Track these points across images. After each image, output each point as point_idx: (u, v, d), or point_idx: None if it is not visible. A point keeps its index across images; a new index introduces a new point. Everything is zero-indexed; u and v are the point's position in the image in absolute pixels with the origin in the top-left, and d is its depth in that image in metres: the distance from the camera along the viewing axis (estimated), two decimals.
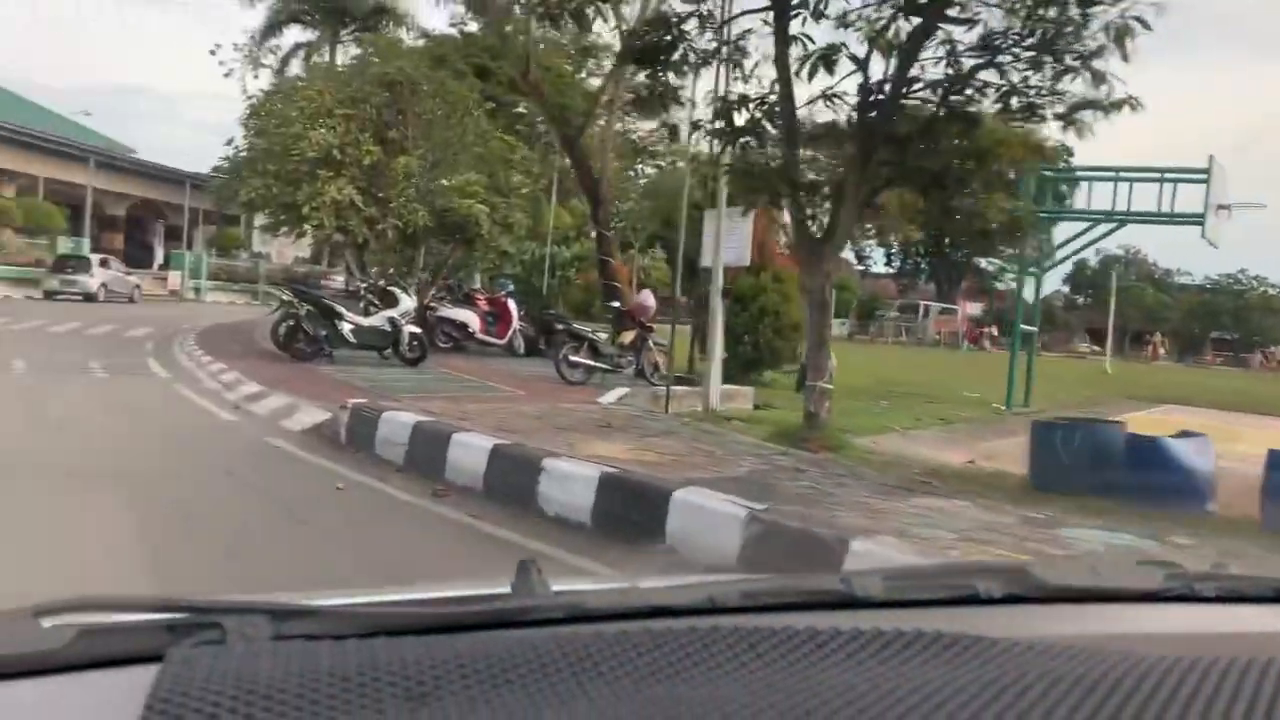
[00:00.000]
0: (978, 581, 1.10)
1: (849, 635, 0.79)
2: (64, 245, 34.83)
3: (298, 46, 52.29)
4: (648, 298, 14.72)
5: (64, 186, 38.60)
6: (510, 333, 18.44)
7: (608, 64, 24.66)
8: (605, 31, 18.85)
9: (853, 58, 8.29)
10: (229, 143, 17.67)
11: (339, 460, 7.70)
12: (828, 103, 8.44)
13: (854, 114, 8.43)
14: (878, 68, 8.54)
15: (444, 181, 16.86)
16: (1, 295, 31.16)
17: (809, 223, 8.68)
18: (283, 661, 0.69)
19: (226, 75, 49.31)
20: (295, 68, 52.38)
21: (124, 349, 16.34)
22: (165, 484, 6.62)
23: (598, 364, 14.01)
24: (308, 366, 13.98)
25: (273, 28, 50.86)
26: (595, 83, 23.01)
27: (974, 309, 69.76)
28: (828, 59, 8.30)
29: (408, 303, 15.12)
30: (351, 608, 0.92)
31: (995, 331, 63.29)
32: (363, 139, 16.28)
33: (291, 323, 14.56)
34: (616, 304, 15.92)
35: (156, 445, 8.20)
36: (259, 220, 43.27)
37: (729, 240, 12.25)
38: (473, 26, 25.07)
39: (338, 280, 46.27)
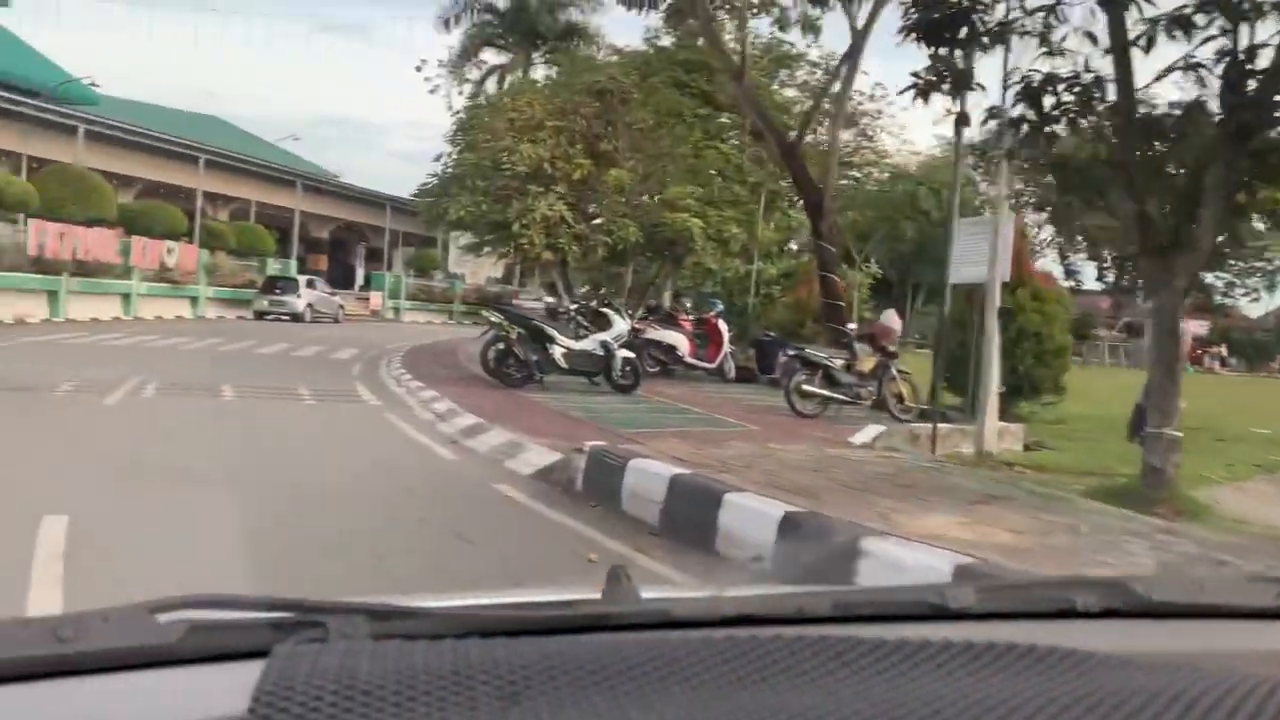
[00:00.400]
0: (1075, 594, 1.08)
1: (939, 646, 0.77)
2: (273, 267, 36.02)
3: (493, 69, 53.25)
4: (893, 319, 13.04)
5: (273, 210, 40.12)
6: (721, 356, 17.11)
7: (800, 74, 23.21)
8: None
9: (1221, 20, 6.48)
10: (438, 158, 17.19)
11: (580, 516, 6.46)
12: (1185, 75, 6.64)
13: (1221, 89, 6.60)
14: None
15: (653, 196, 15.71)
16: (215, 315, 32.37)
17: (1151, 229, 6.88)
18: (381, 660, 0.70)
19: (431, 92, 50.43)
20: (491, 91, 53.53)
21: (332, 372, 15.93)
22: (385, 543, 5.54)
23: (835, 394, 12.43)
24: (519, 393, 13.03)
25: (468, 52, 51.90)
26: (788, 93, 21.59)
27: (1198, 327, 63.99)
28: (1184, 21, 6.52)
29: (621, 325, 13.99)
30: (448, 610, 0.95)
31: (1224, 351, 57.61)
32: (572, 152, 15.32)
33: (501, 346, 13.67)
34: (852, 326, 14.28)
35: (371, 487, 7.21)
36: (462, 240, 43.70)
37: (978, 252, 10.56)
38: (665, 41, 24.09)
39: (528, 301, 46.50)
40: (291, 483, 7.19)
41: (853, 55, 15.24)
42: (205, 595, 0.86)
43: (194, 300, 31.75)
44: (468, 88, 52.73)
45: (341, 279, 49.57)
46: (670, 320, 17.77)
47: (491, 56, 53.44)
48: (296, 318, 32.91)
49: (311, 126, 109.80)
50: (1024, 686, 0.70)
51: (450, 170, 16.97)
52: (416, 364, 17.01)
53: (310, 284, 34.38)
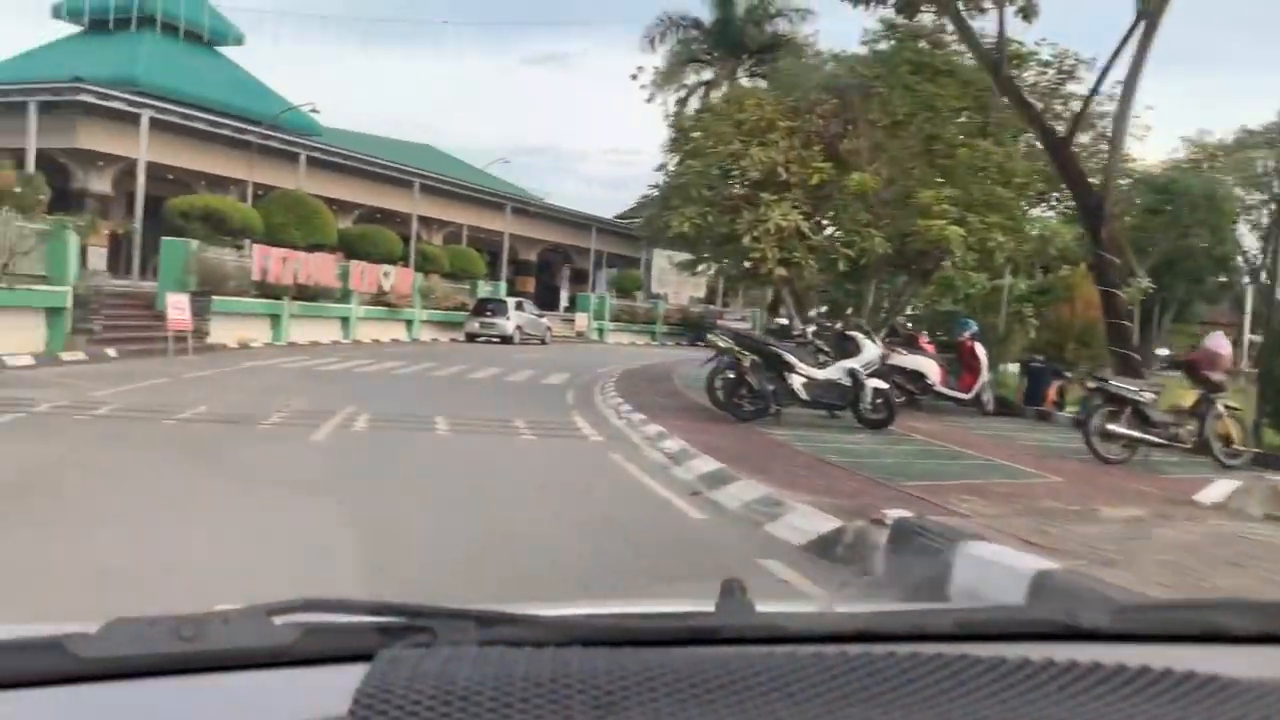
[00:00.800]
0: (1221, 616, 1.02)
1: (1063, 668, 0.73)
2: (483, 289, 36.03)
3: (697, 85, 52.42)
4: (1221, 343, 10.53)
5: (484, 233, 40.36)
6: (978, 385, 14.91)
7: (1029, 75, 20.51)
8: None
9: None
10: (660, 168, 15.81)
11: None
12: None
13: None
14: None
15: (902, 201, 13.77)
16: (429, 338, 32.49)
17: None
18: (482, 666, 0.71)
19: (649, 100, 49.80)
20: (692, 106, 52.63)
21: (546, 401, 14.83)
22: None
23: (1147, 436, 10.13)
24: (754, 429, 11.40)
25: (673, 70, 51.23)
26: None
27: None
28: None
29: (872, 350, 12.11)
30: (555, 618, 0.95)
31: None
32: (807, 155, 13.61)
33: (731, 375, 12.09)
34: (1164, 351, 11.85)
35: (611, 558, 5.74)
36: (677, 257, 42.73)
37: None
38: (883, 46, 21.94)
39: (732, 321, 44.94)
40: (515, 550, 5.81)
41: (1147, 35, 12.84)
42: (320, 598, 0.88)
43: (409, 323, 31.97)
44: (673, 103, 52.26)
45: (547, 300, 49.71)
46: (912, 344, 15.72)
47: (695, 73, 52.83)
48: (506, 340, 32.63)
49: (515, 155, 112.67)
50: (1159, 714, 0.67)
51: (669, 181, 15.59)
52: (632, 391, 15.71)
53: (519, 306, 34.09)
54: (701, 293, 51.49)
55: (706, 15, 50.33)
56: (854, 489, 7.86)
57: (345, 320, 28.39)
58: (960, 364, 15.28)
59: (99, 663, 0.80)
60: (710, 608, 0.99)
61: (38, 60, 33.70)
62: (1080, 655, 0.75)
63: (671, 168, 16.05)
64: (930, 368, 14.56)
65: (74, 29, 38.59)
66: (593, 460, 9.43)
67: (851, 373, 11.81)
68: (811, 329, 13.50)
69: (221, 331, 22.32)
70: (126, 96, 23.77)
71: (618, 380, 18.00)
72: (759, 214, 12.74)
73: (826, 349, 12.78)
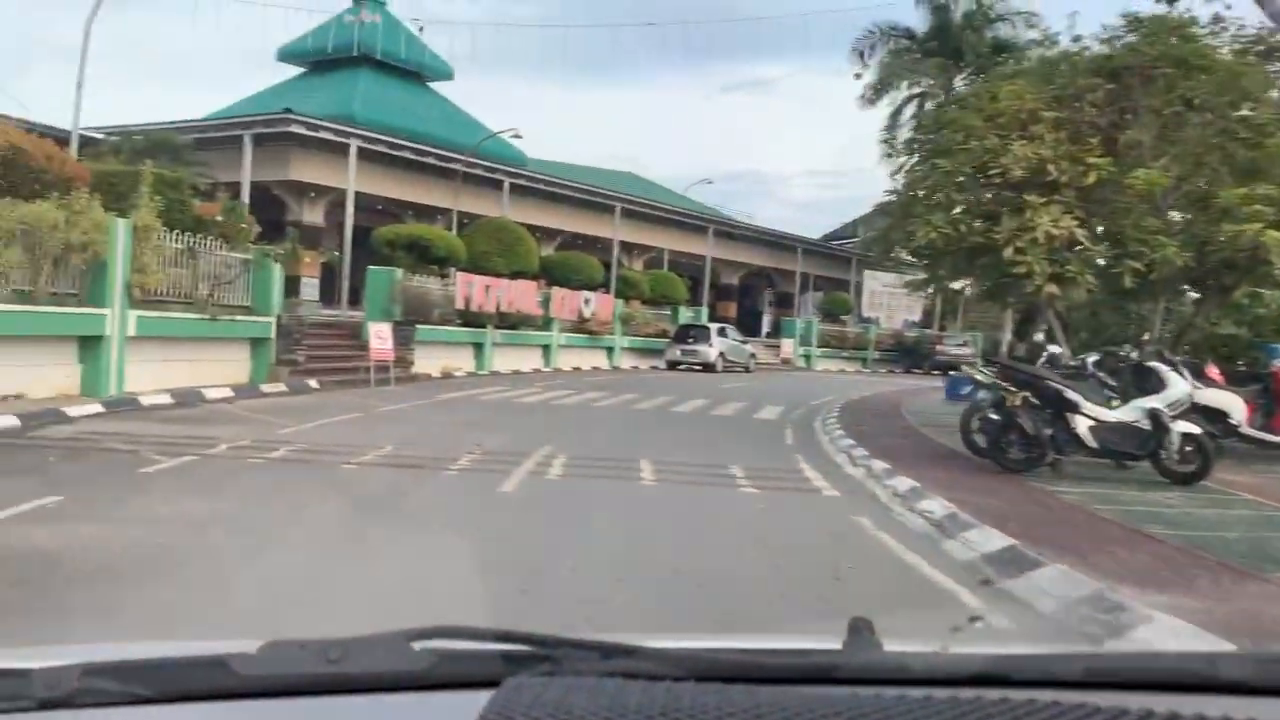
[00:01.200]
0: None
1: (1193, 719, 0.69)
2: (685, 315, 34.72)
3: (910, 98, 49.74)
4: None
5: (685, 257, 39.16)
6: None
7: None
8: None
9: None
10: (895, 172, 13.76)
11: None
12: None
13: None
14: None
15: (1200, 202, 11.25)
16: (629, 366, 31.43)
17: None
18: (598, 696, 0.73)
19: (872, 102, 47.53)
20: (906, 117, 49.94)
21: (761, 440, 13.09)
22: None
23: None
24: (1029, 484, 9.22)
25: (884, 84, 48.84)
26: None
27: None
28: None
29: (1179, 387, 9.67)
30: (675, 651, 0.97)
31: None
32: (1078, 150, 11.31)
33: (994, 415, 9.96)
34: None
35: None
36: (886, 279, 40.15)
37: None
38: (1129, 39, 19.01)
39: (954, 347, 41.73)
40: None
41: None
42: (455, 626, 0.94)
43: (609, 351, 31.01)
44: (887, 116, 49.74)
45: (749, 326, 48.05)
46: (1198, 375, 12.96)
47: (908, 88, 50.19)
48: (708, 368, 31.14)
49: (714, 181, 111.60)
50: None
51: (905, 189, 13.54)
52: (860, 429, 13.71)
53: (722, 332, 32.54)
54: (916, 315, 48.43)
55: (920, 24, 47.78)
56: (1212, 582, 5.70)
57: (546, 348, 27.67)
58: (1271, 400, 12.45)
59: (256, 680, 0.89)
60: (837, 645, 1.00)
61: (262, 101, 35.10)
62: (1211, 709, 0.71)
63: (902, 174, 14.01)
64: (1236, 405, 11.81)
65: (297, 70, 40.34)
66: (834, 525, 7.59)
67: (1152, 414, 9.43)
68: (1092, 358, 11.12)
69: (425, 361, 21.85)
70: (334, 127, 23.92)
71: (840, 415, 16.02)
72: (1024, 220, 10.56)
73: (1112, 383, 10.40)
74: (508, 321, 25.15)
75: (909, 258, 15.76)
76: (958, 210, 11.00)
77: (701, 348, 31.37)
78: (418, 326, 21.26)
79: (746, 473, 9.63)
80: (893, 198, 13.82)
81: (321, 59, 38.93)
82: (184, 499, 7.13)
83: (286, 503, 7.25)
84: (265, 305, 16.91)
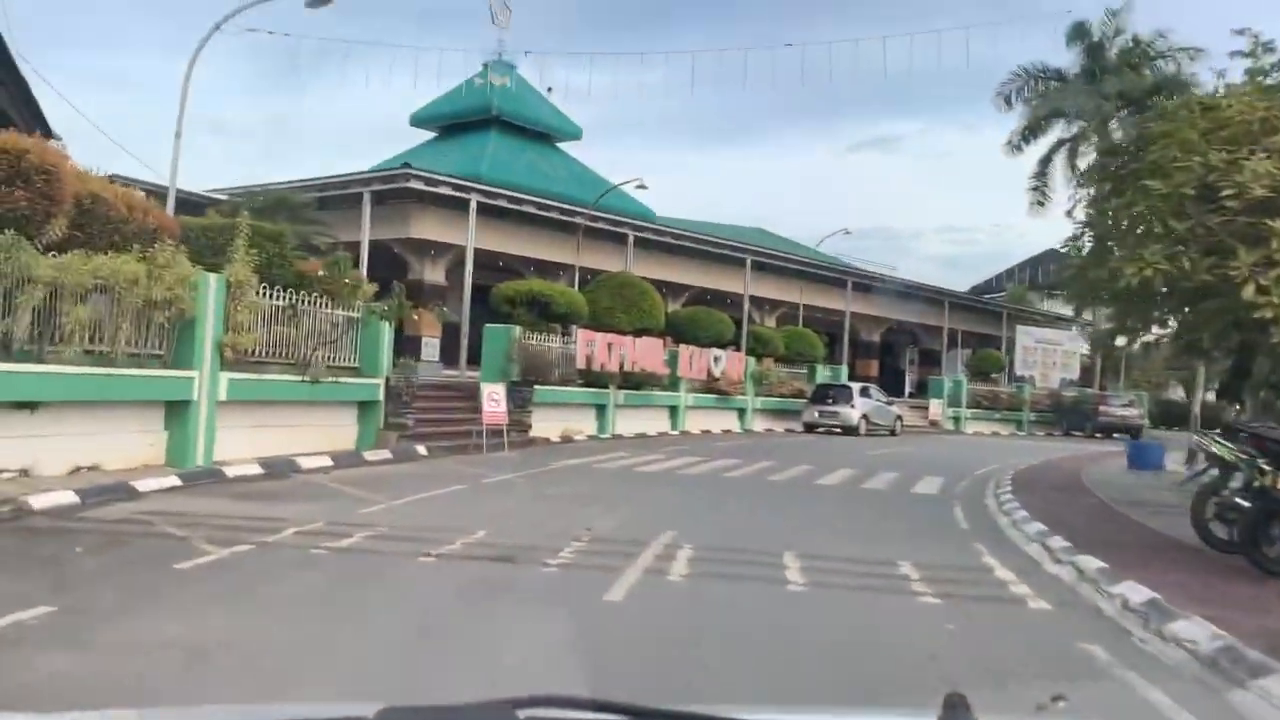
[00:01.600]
0: None
1: None
2: (822, 374, 32.54)
3: (1060, 143, 46.89)
4: None
5: (821, 313, 37.05)
6: None
7: None
8: None
9: None
10: (1073, 208, 11.46)
11: None
12: None
13: None
14: None
15: None
16: (763, 428, 29.41)
17: None
18: None
19: (1018, 149, 44.77)
20: (1059, 170, 47.08)
21: (927, 521, 10.97)
22: None
23: None
24: None
25: (1032, 129, 46.19)
26: None
27: None
28: None
29: None
30: None
31: None
32: None
33: (1245, 502, 7.69)
34: None
35: None
36: (1036, 333, 37.08)
37: None
38: None
39: (1119, 406, 38.15)
40: None
41: None
42: (557, 695, 1.01)
43: (740, 412, 29.10)
44: (1036, 163, 46.90)
45: (891, 385, 45.40)
46: None
47: (1060, 130, 47.38)
48: (849, 430, 28.86)
49: (845, 238, 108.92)
50: None
51: (1095, 221, 11.31)
52: (1044, 508, 11.43)
53: (864, 392, 30.21)
54: (1074, 374, 44.83)
55: (1070, 64, 44.95)
56: None
57: (673, 409, 25.98)
58: None
59: None
60: None
61: (391, 164, 35.08)
62: None
63: (1090, 208, 11.77)
64: None
65: (430, 135, 40.50)
66: (1056, 659, 5.52)
67: None
68: None
69: (544, 423, 20.46)
70: (454, 181, 23.06)
71: (1014, 489, 13.71)
72: (1269, 251, 8.32)
73: None
74: (632, 381, 23.60)
75: (1067, 312, 13.50)
76: (1176, 243, 8.79)
77: (842, 409, 29.13)
78: (536, 387, 19.89)
79: (920, 572, 7.60)
80: (1079, 241, 11.57)
81: (453, 123, 39.02)
82: (203, 612, 5.62)
83: (324, 619, 5.65)
84: (373, 366, 15.78)
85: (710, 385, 27.49)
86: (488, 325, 20.43)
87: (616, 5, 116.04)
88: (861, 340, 42.28)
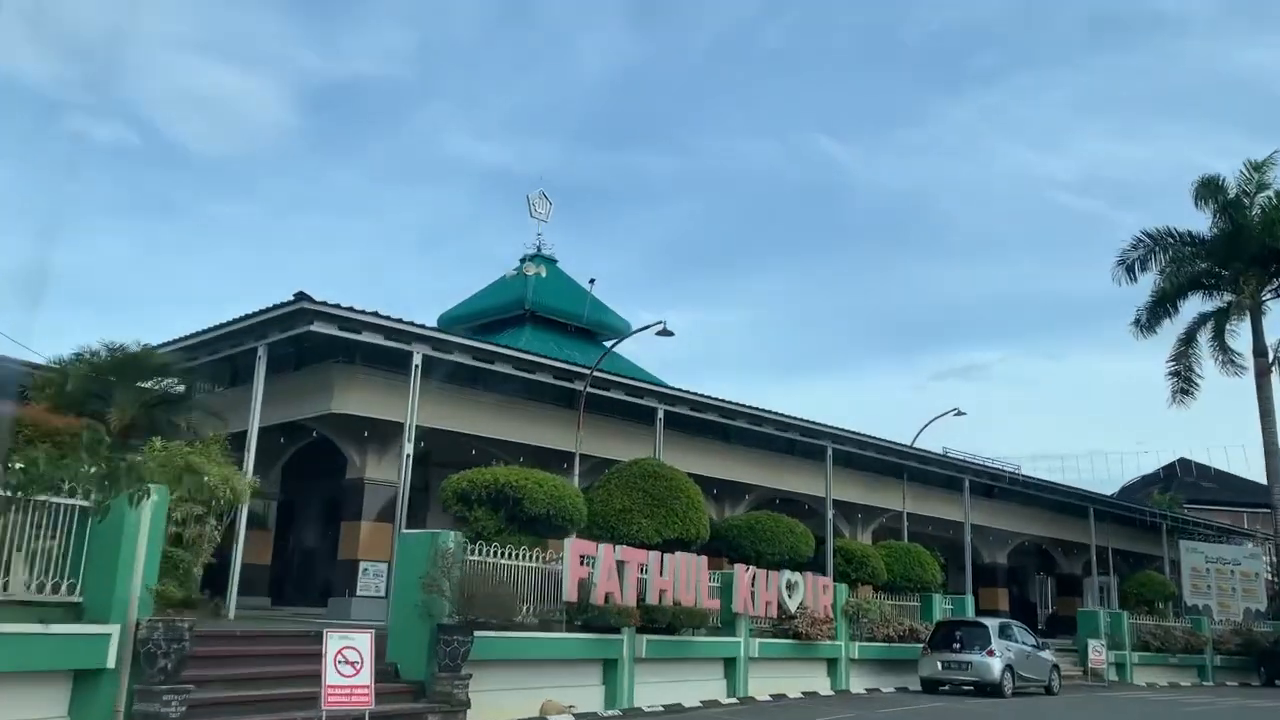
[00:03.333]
0: None
1: None
2: (939, 606, 23.69)
3: (1203, 318, 39.00)
4: None
5: (931, 524, 28.50)
6: None
7: None
8: None
9: None
10: None
11: None
12: None
13: None
14: None
15: None
16: (863, 688, 20.48)
17: None
18: None
19: (1148, 328, 37.05)
20: (1203, 346, 39.01)
21: None
22: None
23: None
24: None
25: (1164, 300, 38.52)
26: None
27: None
28: None
29: None
30: None
31: None
32: None
33: None
34: None
35: None
36: (1213, 550, 28.71)
37: None
38: None
39: None
40: None
41: None
42: None
43: (831, 664, 20.34)
44: (1175, 344, 38.87)
45: (1020, 618, 35.83)
46: None
47: (1198, 302, 39.48)
48: (991, 690, 19.85)
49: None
50: None
51: None
52: None
53: (1004, 631, 21.25)
54: (1260, 601, 34.67)
55: (1202, 226, 37.74)
56: None
57: (729, 664, 17.53)
58: None
59: None
60: None
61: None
62: None
63: None
64: None
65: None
66: None
67: None
68: None
69: (502, 694, 12.51)
70: (385, 323, 15.91)
71: None
72: None
73: None
74: (660, 620, 15.47)
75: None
76: None
77: (977, 658, 20.17)
78: (479, 634, 11.90)
79: None
80: None
81: (485, 321, 33.43)
82: None
83: None
84: (103, 599, 8.19)
85: (783, 625, 19.08)
86: (403, 533, 12.80)
87: (696, 250, 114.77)
88: (983, 563, 33.22)
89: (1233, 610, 33.85)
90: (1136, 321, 39.25)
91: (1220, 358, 38.48)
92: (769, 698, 17.77)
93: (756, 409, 20.76)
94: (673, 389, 19.55)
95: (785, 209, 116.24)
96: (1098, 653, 26.05)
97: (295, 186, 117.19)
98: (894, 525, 26.55)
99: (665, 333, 18.50)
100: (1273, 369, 36.59)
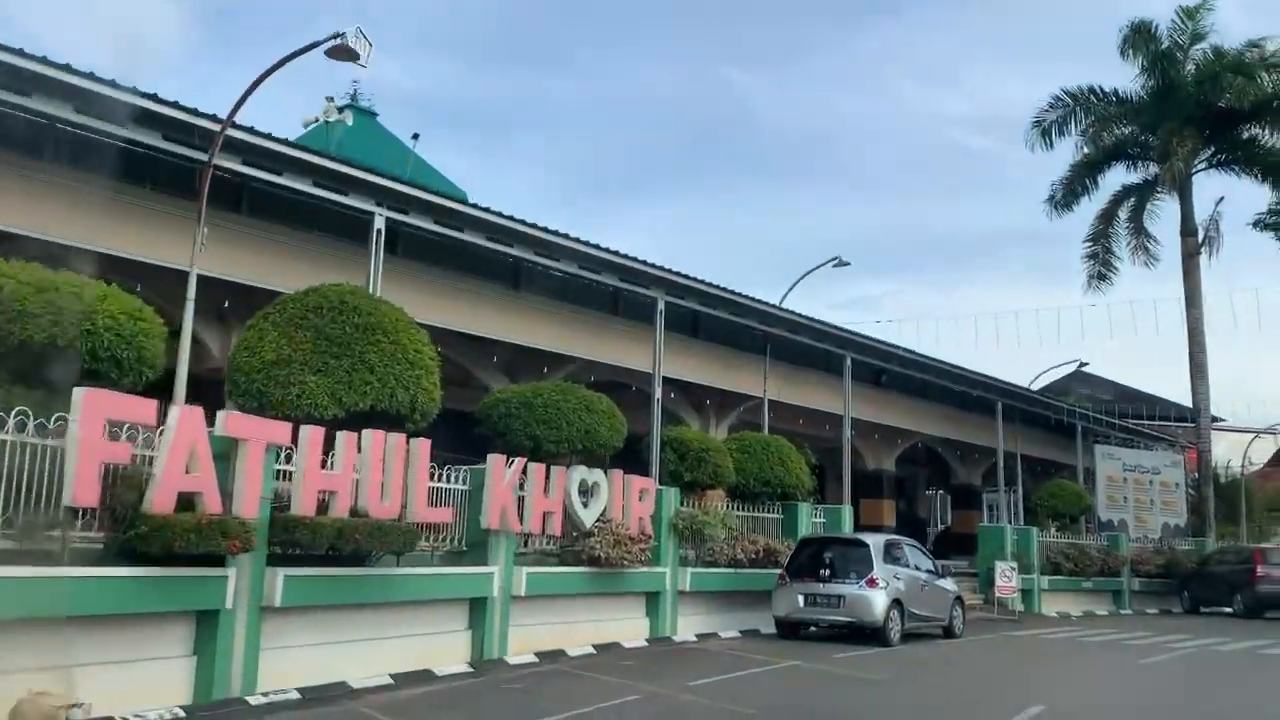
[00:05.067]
0: None
1: None
2: (805, 519, 17.70)
3: (1125, 193, 33.99)
4: None
5: (802, 416, 22.45)
6: None
7: None
8: None
9: None
10: None
11: None
12: None
13: None
14: None
15: None
16: (693, 633, 14.30)
17: None
18: None
19: (1064, 205, 32.43)
20: (1123, 227, 33.94)
21: None
22: None
23: None
24: None
25: (1081, 172, 33.26)
26: None
27: None
28: None
29: None
30: None
31: None
32: None
33: None
34: None
35: None
36: (1165, 453, 23.26)
37: None
38: None
39: None
40: None
41: None
42: None
43: (651, 600, 14.21)
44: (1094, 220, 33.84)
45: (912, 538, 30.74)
46: None
47: (1121, 175, 34.14)
48: (872, 634, 14.16)
49: None
50: None
51: None
52: None
53: (891, 553, 15.32)
54: (1180, 515, 30.02)
55: (1129, 84, 32.26)
56: None
57: (478, 607, 11.15)
58: None
59: None
60: None
61: None
62: None
63: None
64: None
65: None
66: None
67: None
68: None
69: None
70: None
71: None
72: None
73: None
74: (317, 541, 8.92)
75: None
76: None
77: (853, 590, 14.28)
78: None
79: None
80: None
81: None
82: None
83: None
84: None
85: (575, 547, 12.84)
86: None
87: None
88: (867, 469, 27.54)
89: (1149, 525, 29.15)
90: (1051, 198, 33.93)
91: (1134, 242, 33.51)
92: (534, 657, 11.50)
93: (547, 232, 14.01)
94: (402, 183, 12.59)
95: (686, 139, 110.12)
96: (1007, 579, 20.60)
97: None
98: (757, 421, 20.34)
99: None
100: (1202, 250, 31.81)
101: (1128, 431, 30.38)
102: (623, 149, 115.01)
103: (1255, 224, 32.37)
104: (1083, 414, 28.32)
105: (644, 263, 15.78)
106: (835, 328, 19.70)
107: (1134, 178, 33.59)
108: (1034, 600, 22.90)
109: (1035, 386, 33.56)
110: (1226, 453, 40.06)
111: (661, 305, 16.13)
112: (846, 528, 18.26)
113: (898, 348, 21.12)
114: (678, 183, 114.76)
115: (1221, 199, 38.36)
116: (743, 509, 16.52)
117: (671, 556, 14.61)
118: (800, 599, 14.58)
